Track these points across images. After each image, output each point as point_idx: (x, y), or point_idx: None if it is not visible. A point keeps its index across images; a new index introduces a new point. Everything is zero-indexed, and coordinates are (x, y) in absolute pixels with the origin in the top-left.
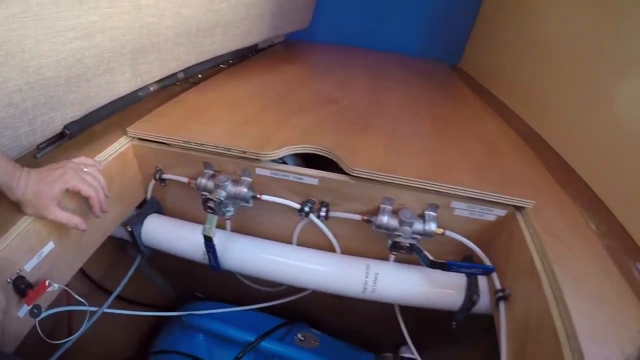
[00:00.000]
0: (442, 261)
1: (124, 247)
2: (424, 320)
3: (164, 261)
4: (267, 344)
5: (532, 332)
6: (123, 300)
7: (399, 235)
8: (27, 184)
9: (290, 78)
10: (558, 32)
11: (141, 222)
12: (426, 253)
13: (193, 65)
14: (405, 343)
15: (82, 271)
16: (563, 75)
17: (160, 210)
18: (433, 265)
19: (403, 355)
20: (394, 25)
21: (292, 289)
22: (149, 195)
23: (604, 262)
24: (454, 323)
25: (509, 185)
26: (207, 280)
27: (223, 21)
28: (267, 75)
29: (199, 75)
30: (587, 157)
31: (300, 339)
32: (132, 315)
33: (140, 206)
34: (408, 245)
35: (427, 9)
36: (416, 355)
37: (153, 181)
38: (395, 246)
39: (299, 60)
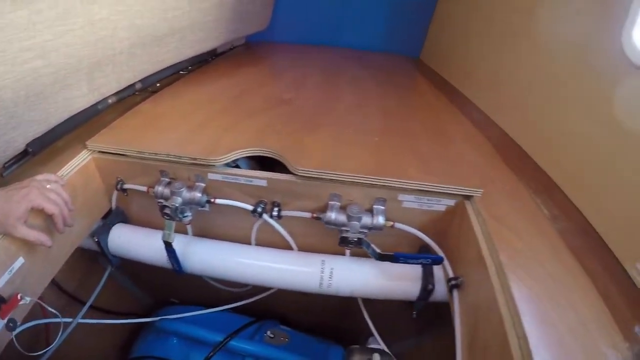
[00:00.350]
0: (390, 253)
1: (95, 258)
2: (392, 312)
3: (136, 269)
4: (236, 343)
5: (482, 318)
6: (100, 311)
7: (347, 230)
8: None
9: (246, 81)
10: (509, 19)
11: (107, 232)
12: (374, 246)
13: (151, 75)
14: (373, 334)
15: (57, 285)
16: (516, 63)
17: (125, 219)
18: (381, 257)
19: (370, 346)
20: (354, 22)
21: (259, 288)
22: (113, 206)
23: (554, 246)
24: (414, 312)
25: (457, 175)
26: (179, 286)
27: (178, 28)
28: (224, 80)
29: (157, 84)
30: (542, 142)
31: (270, 337)
32: (109, 324)
33: (106, 217)
34: (356, 239)
35: (386, 3)
36: (382, 345)
37: (115, 192)
38: (344, 241)
39: (257, 62)
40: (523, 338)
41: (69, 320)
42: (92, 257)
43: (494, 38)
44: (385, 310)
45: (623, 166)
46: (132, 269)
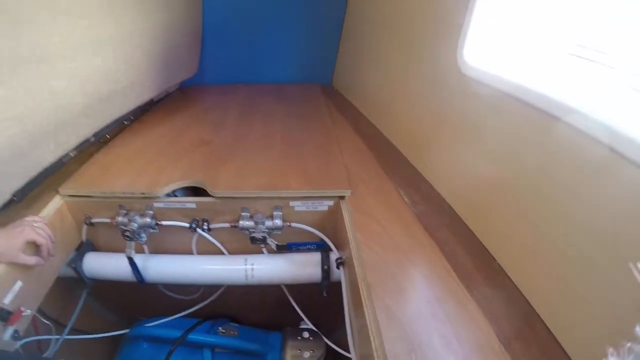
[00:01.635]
0: (284, 244)
1: (73, 287)
2: (320, 303)
3: (108, 296)
4: (195, 336)
5: (354, 286)
6: (83, 334)
7: (254, 232)
8: None
9: (176, 126)
10: (383, 44)
11: (81, 260)
12: (273, 240)
13: (102, 129)
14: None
15: (42, 312)
16: (386, 77)
17: (94, 248)
18: (279, 248)
19: (301, 327)
20: (270, 58)
21: (208, 293)
22: (84, 238)
23: (407, 225)
24: (324, 292)
25: (332, 182)
26: (145, 303)
27: (120, 88)
28: (159, 128)
29: (107, 136)
30: (413, 145)
31: (222, 332)
32: (90, 348)
33: (78, 248)
34: (261, 237)
35: (297, 38)
36: (310, 325)
37: (85, 226)
38: (253, 240)
39: (188, 106)
40: (367, 287)
41: (57, 337)
42: (71, 287)
43: (375, 62)
44: (314, 302)
45: (463, 149)
46: (105, 296)
